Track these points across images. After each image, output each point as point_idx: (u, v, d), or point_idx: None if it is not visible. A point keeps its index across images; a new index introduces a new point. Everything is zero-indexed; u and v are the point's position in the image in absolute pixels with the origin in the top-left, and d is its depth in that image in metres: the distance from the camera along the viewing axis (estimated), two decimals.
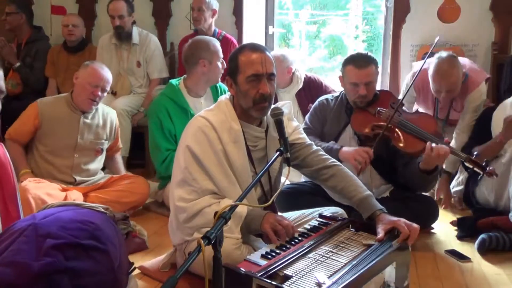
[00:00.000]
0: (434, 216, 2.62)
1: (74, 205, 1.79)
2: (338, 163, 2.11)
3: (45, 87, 4.15)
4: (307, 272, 1.52)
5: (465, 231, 2.62)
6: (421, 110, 3.17)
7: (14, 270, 1.36)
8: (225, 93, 2.67)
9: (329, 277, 1.49)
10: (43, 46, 4.20)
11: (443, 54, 2.78)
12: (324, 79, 3.65)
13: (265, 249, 1.70)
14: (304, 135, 2.16)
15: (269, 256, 1.63)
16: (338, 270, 1.54)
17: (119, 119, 3.60)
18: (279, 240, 1.77)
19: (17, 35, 4.22)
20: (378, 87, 3.92)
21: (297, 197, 2.54)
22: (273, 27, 4.29)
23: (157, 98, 2.97)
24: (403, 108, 2.69)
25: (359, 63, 2.51)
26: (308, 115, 2.78)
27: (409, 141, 2.46)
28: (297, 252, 1.64)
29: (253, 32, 4.20)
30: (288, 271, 1.52)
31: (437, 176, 2.51)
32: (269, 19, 4.26)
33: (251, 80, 1.91)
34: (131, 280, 1.81)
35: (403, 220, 1.80)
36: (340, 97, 2.70)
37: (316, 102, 2.77)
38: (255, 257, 1.63)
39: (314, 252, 1.68)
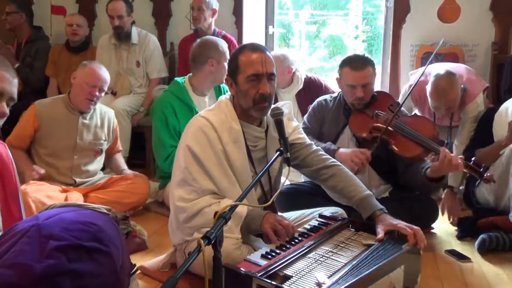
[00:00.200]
0: (434, 216, 2.63)
1: (76, 206, 1.79)
2: (338, 163, 2.12)
3: (46, 86, 4.15)
4: (307, 272, 1.53)
5: (465, 231, 2.62)
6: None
7: (17, 271, 1.36)
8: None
9: (329, 277, 1.49)
10: (43, 46, 4.20)
11: (441, 71, 2.73)
12: (325, 80, 3.65)
13: (265, 249, 1.70)
14: (304, 135, 2.16)
15: (269, 256, 1.63)
16: (338, 270, 1.54)
17: (119, 119, 3.61)
18: (279, 240, 1.77)
19: (17, 34, 4.22)
20: (378, 87, 3.94)
21: (297, 198, 2.54)
22: (273, 27, 4.28)
23: (162, 95, 2.97)
24: (401, 109, 2.69)
25: (355, 64, 2.51)
26: (306, 115, 2.78)
27: (406, 145, 2.46)
28: (297, 252, 1.65)
29: (253, 32, 4.20)
30: (288, 271, 1.52)
31: (442, 184, 2.50)
32: (269, 19, 4.26)
33: (251, 80, 1.91)
34: (133, 281, 1.81)
35: (403, 222, 1.80)
36: (338, 97, 2.70)
37: (315, 102, 2.77)
38: (255, 257, 1.63)
39: (314, 252, 1.68)
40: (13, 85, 1.60)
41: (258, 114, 1.97)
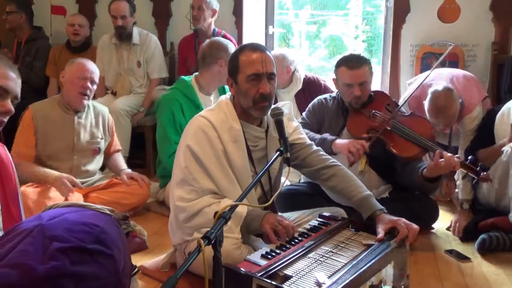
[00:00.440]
0: (434, 217, 2.63)
1: (80, 206, 1.78)
2: (338, 163, 2.11)
3: (46, 86, 4.15)
4: (307, 272, 1.52)
5: (467, 235, 2.62)
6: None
7: (19, 272, 1.36)
8: None
9: (329, 277, 1.49)
10: (43, 46, 4.20)
11: (439, 87, 2.69)
12: (325, 80, 3.63)
13: (265, 249, 1.70)
14: (304, 135, 2.16)
15: (269, 256, 1.63)
16: (338, 270, 1.54)
17: (119, 119, 3.62)
18: (279, 240, 1.77)
19: (17, 34, 4.23)
20: (378, 87, 3.95)
21: (296, 199, 2.54)
22: (273, 27, 4.28)
23: (169, 92, 2.98)
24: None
25: (352, 63, 2.51)
26: (306, 111, 2.77)
27: (403, 145, 2.46)
28: (297, 252, 1.64)
29: (253, 32, 4.20)
30: (288, 271, 1.52)
31: (438, 185, 2.50)
32: (269, 19, 4.26)
33: (251, 80, 1.91)
34: (133, 282, 1.81)
35: (403, 220, 1.80)
36: (337, 98, 2.70)
37: (315, 100, 2.77)
38: (255, 257, 1.63)
39: (314, 252, 1.68)
40: (17, 84, 1.63)
41: (258, 114, 1.97)
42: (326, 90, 3.44)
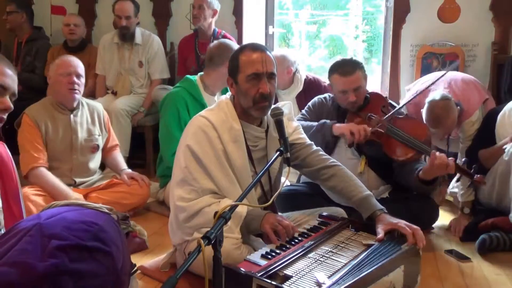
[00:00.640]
0: (434, 217, 2.63)
1: (78, 205, 1.79)
2: (338, 163, 2.12)
3: (46, 87, 4.15)
4: (307, 272, 1.53)
5: (467, 235, 2.61)
6: None
7: (19, 270, 1.36)
8: None
9: (329, 277, 1.49)
10: (44, 46, 4.20)
11: (436, 96, 2.65)
12: (325, 81, 3.61)
13: (265, 249, 1.70)
14: (304, 135, 2.16)
15: (269, 256, 1.63)
16: (338, 270, 1.54)
17: (119, 119, 3.62)
18: (279, 240, 1.78)
19: (18, 34, 4.23)
20: (378, 87, 3.95)
21: (296, 198, 2.54)
22: (273, 27, 4.28)
23: (175, 90, 2.98)
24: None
25: (344, 70, 2.51)
26: (305, 108, 2.77)
27: (398, 148, 2.47)
28: (297, 252, 1.65)
29: (253, 32, 4.20)
30: (288, 271, 1.52)
31: (435, 187, 2.49)
32: (269, 19, 4.26)
33: (252, 79, 1.91)
34: (133, 281, 1.81)
35: (403, 221, 1.80)
36: (334, 99, 2.71)
37: (316, 98, 2.77)
38: (255, 257, 1.63)
39: (314, 252, 1.68)
40: (14, 81, 1.64)
41: (258, 113, 1.97)
42: (326, 91, 3.42)
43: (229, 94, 2.09)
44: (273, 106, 1.97)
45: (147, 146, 3.84)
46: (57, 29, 4.46)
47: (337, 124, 2.50)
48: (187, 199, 1.93)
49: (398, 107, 2.61)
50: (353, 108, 2.57)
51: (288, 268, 1.55)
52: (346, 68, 2.51)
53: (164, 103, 2.97)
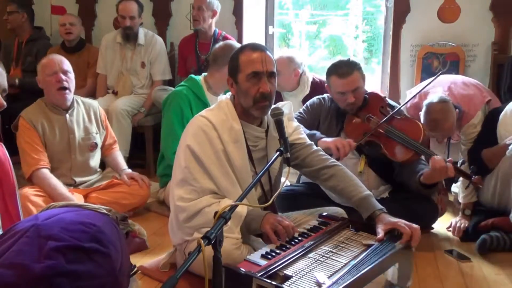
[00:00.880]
0: (434, 217, 2.63)
1: (76, 206, 1.79)
2: (338, 163, 2.12)
3: None
4: (307, 272, 1.53)
5: (466, 235, 2.61)
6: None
7: (15, 271, 1.36)
8: None
9: (329, 277, 1.49)
10: (44, 46, 4.20)
11: (434, 99, 2.63)
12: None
13: (265, 249, 1.70)
14: (305, 135, 2.16)
15: (269, 256, 1.63)
16: (338, 270, 1.54)
17: (120, 119, 3.62)
18: (279, 240, 1.78)
19: (18, 34, 4.23)
20: (378, 87, 3.94)
21: (296, 199, 2.55)
22: (273, 27, 4.28)
23: (179, 88, 2.99)
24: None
25: (342, 71, 2.50)
26: (304, 107, 2.77)
27: (397, 149, 2.47)
28: (297, 252, 1.65)
29: (253, 32, 4.20)
30: (288, 271, 1.53)
31: (435, 190, 2.49)
32: (269, 19, 4.25)
33: (251, 78, 1.91)
34: (133, 282, 1.81)
35: (402, 221, 1.80)
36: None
37: (314, 98, 2.77)
38: (255, 257, 1.63)
39: (314, 252, 1.68)
40: (4, 77, 1.65)
41: (258, 113, 1.97)
42: None
43: (229, 94, 2.09)
44: (273, 106, 1.97)
45: (147, 146, 3.84)
46: (57, 29, 4.45)
47: (324, 139, 2.50)
48: (187, 199, 1.93)
49: (396, 108, 2.61)
50: (352, 109, 2.57)
51: (288, 268, 1.55)
52: (344, 70, 2.50)
53: (167, 101, 2.98)
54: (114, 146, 3.08)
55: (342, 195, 2.05)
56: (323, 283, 1.44)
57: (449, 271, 2.27)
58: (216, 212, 1.35)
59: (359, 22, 6.02)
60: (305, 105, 2.78)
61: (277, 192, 1.76)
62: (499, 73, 3.47)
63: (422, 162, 2.45)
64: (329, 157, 2.13)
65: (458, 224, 2.68)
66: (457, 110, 2.67)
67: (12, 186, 1.76)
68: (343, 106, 2.59)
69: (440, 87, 2.86)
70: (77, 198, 2.67)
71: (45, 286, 1.36)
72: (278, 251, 1.66)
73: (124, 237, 1.99)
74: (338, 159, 2.35)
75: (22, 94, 3.94)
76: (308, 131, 2.53)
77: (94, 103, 3.01)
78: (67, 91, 2.73)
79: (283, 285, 1.43)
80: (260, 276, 1.46)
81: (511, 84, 3.26)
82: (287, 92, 3.37)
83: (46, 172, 2.68)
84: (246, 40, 4.02)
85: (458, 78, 3.05)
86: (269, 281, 1.43)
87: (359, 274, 1.48)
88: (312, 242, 1.73)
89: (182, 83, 3.04)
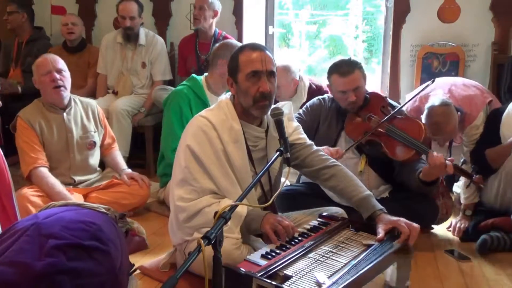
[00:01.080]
0: (434, 217, 2.62)
1: (76, 205, 1.79)
2: (338, 163, 2.12)
3: None
4: (307, 272, 1.52)
5: (466, 235, 2.61)
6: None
7: (16, 269, 1.36)
8: None
9: (329, 277, 1.49)
10: (44, 46, 4.19)
11: (436, 102, 2.61)
12: (322, 84, 3.55)
13: (265, 249, 1.70)
14: (305, 136, 2.16)
15: (269, 256, 1.63)
16: (338, 270, 1.54)
17: (120, 119, 3.62)
18: (279, 240, 1.77)
19: (18, 34, 4.22)
20: (378, 87, 3.94)
21: (296, 199, 2.54)
22: (273, 27, 4.28)
23: (179, 88, 3.01)
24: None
25: (343, 70, 2.50)
26: (303, 108, 2.77)
27: (398, 148, 2.47)
28: (297, 252, 1.64)
29: (253, 32, 4.20)
30: (288, 271, 1.52)
31: (435, 188, 2.49)
32: (269, 19, 4.26)
33: (251, 77, 1.91)
34: (132, 281, 1.81)
35: (403, 219, 1.80)
36: (335, 99, 2.70)
37: (315, 99, 2.77)
38: (255, 257, 1.63)
39: (314, 252, 1.68)
40: None
41: (258, 113, 1.97)
42: None
43: (229, 94, 2.09)
44: (273, 106, 1.97)
45: (147, 146, 3.84)
46: (57, 29, 4.45)
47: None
48: (187, 199, 1.93)
49: (397, 108, 2.61)
50: (353, 108, 2.58)
51: (288, 268, 1.55)
52: (345, 68, 2.51)
53: (168, 100, 3.00)
54: (113, 146, 3.08)
55: (342, 195, 2.05)
56: (323, 283, 1.44)
57: (449, 271, 2.27)
58: (216, 212, 1.35)
59: (359, 22, 6.02)
60: (305, 105, 2.78)
61: (277, 192, 1.76)
62: (499, 73, 3.47)
63: (422, 161, 2.45)
64: (329, 157, 2.13)
65: (458, 224, 2.68)
66: (458, 112, 2.65)
67: (8, 185, 1.77)
68: (344, 105, 2.59)
69: (440, 89, 2.84)
70: (76, 198, 2.67)
71: (46, 284, 1.36)
72: (278, 251, 1.66)
73: (124, 235, 2.00)
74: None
75: (22, 94, 3.94)
76: None
77: (92, 102, 3.02)
78: (63, 88, 2.73)
79: (283, 285, 1.43)
80: (260, 276, 1.46)
81: (511, 84, 3.26)
82: (284, 99, 3.35)
83: (44, 170, 2.68)
84: (246, 40, 4.02)
85: (458, 80, 3.04)
86: (269, 281, 1.43)
87: (358, 274, 1.48)
88: (312, 242, 1.73)
89: (184, 82, 3.05)
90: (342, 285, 1.41)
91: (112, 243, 1.56)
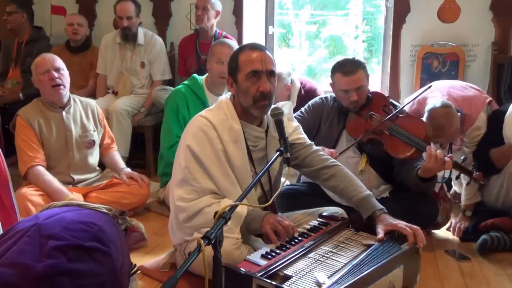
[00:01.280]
0: (434, 217, 2.62)
1: (77, 206, 1.79)
2: (338, 163, 2.12)
3: None
4: (307, 272, 1.53)
5: (466, 235, 2.61)
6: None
7: (17, 271, 1.36)
8: None
9: (329, 277, 1.49)
10: (44, 46, 4.19)
11: (437, 104, 2.59)
12: (317, 86, 3.50)
13: (265, 249, 1.70)
14: (305, 136, 2.16)
15: (269, 256, 1.63)
16: (338, 270, 1.54)
17: (120, 119, 3.62)
18: (279, 240, 1.77)
19: (18, 34, 4.22)
20: (378, 87, 3.94)
21: (296, 198, 2.55)
22: (273, 27, 4.28)
23: (178, 87, 3.04)
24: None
25: (346, 69, 2.51)
26: (305, 106, 2.77)
27: (399, 147, 2.47)
28: (297, 252, 1.65)
29: (253, 32, 4.20)
30: (288, 271, 1.52)
31: (432, 185, 2.49)
32: (269, 19, 4.26)
33: (251, 77, 1.91)
34: (133, 281, 1.81)
35: (402, 222, 1.80)
36: (336, 98, 2.70)
37: (317, 98, 2.77)
38: (255, 257, 1.63)
39: (314, 252, 1.68)
40: None
41: (258, 112, 1.97)
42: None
43: (229, 94, 2.09)
44: (273, 106, 1.97)
45: (147, 146, 3.84)
46: (57, 29, 4.46)
47: None
48: (187, 199, 1.93)
49: (399, 108, 2.61)
50: (355, 107, 2.58)
51: (288, 268, 1.55)
52: (349, 68, 2.51)
53: (167, 99, 3.04)
54: (112, 146, 3.09)
55: (342, 195, 2.05)
56: (323, 283, 1.44)
57: (449, 271, 2.27)
58: (216, 212, 1.35)
59: (359, 22, 6.01)
60: (306, 104, 2.78)
61: (277, 192, 1.76)
62: (499, 73, 3.48)
63: (422, 160, 2.46)
64: (329, 157, 2.13)
65: (458, 225, 2.68)
66: (459, 114, 2.64)
67: (5, 178, 1.76)
68: (346, 104, 2.59)
69: (438, 92, 2.83)
70: (76, 198, 2.67)
71: (47, 285, 1.36)
72: (278, 251, 1.66)
73: (124, 236, 2.00)
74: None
75: (24, 94, 3.94)
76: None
77: (91, 101, 3.03)
78: (61, 87, 2.74)
79: (283, 285, 1.43)
80: (260, 276, 1.46)
81: (511, 84, 3.26)
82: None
83: (41, 169, 2.69)
84: (246, 40, 4.03)
85: (456, 83, 3.02)
86: (269, 281, 1.43)
87: (362, 275, 1.48)
88: (312, 242, 1.73)
89: (184, 82, 3.07)
90: (343, 286, 1.41)
91: (113, 244, 1.56)
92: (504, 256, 2.41)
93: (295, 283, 1.46)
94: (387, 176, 2.62)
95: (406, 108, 2.81)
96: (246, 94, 1.93)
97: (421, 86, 3.45)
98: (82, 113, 2.89)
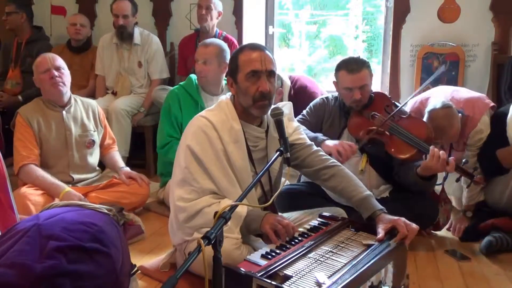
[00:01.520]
0: (434, 217, 2.62)
1: (77, 206, 1.79)
2: (338, 163, 2.12)
3: None
4: (307, 272, 1.52)
5: (466, 236, 2.61)
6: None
7: (17, 271, 1.36)
8: None
9: (329, 277, 1.49)
10: (44, 46, 4.19)
11: (437, 105, 2.57)
12: (310, 83, 3.45)
13: (265, 249, 1.70)
14: (305, 136, 2.16)
15: (269, 256, 1.63)
16: (338, 270, 1.54)
17: (119, 119, 3.62)
18: (279, 240, 1.77)
19: (18, 34, 4.21)
20: (378, 87, 3.94)
21: (296, 198, 2.55)
22: (273, 27, 4.28)
23: (173, 87, 3.08)
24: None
25: (351, 67, 2.51)
26: (306, 109, 2.77)
27: (400, 147, 2.47)
28: (297, 252, 1.64)
29: (253, 32, 4.20)
30: (288, 271, 1.52)
31: (432, 184, 2.49)
32: (269, 19, 4.26)
33: (251, 77, 1.91)
34: (133, 281, 1.81)
35: (402, 219, 1.80)
36: (338, 98, 2.71)
37: (318, 99, 2.78)
38: (255, 257, 1.63)
39: (314, 252, 1.68)
40: None
41: (258, 112, 1.97)
42: (315, 97, 3.24)
43: (229, 94, 2.09)
44: (273, 106, 1.97)
45: (147, 146, 3.84)
46: (57, 29, 4.46)
47: (327, 142, 2.51)
48: (187, 199, 1.93)
49: (400, 106, 2.61)
50: (357, 106, 2.58)
51: (288, 268, 1.55)
52: (354, 66, 2.52)
53: (164, 99, 3.07)
54: (113, 146, 3.10)
55: (342, 195, 2.05)
56: (323, 283, 1.44)
57: (449, 271, 2.27)
58: (216, 212, 1.35)
59: (359, 22, 6.01)
60: (308, 106, 2.78)
61: (277, 192, 1.76)
62: (499, 73, 3.47)
63: (422, 160, 2.46)
64: (329, 157, 2.13)
65: (458, 225, 2.68)
66: (460, 114, 2.63)
67: (3, 176, 1.76)
68: (348, 103, 2.59)
69: (442, 95, 2.81)
70: None
71: (46, 286, 1.36)
72: (278, 251, 1.66)
73: (122, 231, 2.00)
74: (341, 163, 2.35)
75: (25, 94, 3.93)
76: (310, 134, 2.53)
77: (92, 102, 3.04)
78: (61, 84, 2.75)
79: (283, 285, 1.43)
80: (260, 276, 1.46)
81: (511, 84, 3.26)
82: None
83: (32, 167, 2.68)
84: (246, 40, 4.03)
85: (460, 88, 3.01)
86: (269, 281, 1.43)
87: (356, 273, 1.48)
88: (312, 242, 1.73)
89: (181, 82, 3.08)
90: (341, 285, 1.41)
91: (113, 245, 1.55)
92: (504, 256, 2.41)
93: (295, 283, 1.45)
94: (387, 176, 2.62)
95: (409, 106, 2.82)
96: (245, 94, 1.93)
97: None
98: (83, 113, 2.89)
